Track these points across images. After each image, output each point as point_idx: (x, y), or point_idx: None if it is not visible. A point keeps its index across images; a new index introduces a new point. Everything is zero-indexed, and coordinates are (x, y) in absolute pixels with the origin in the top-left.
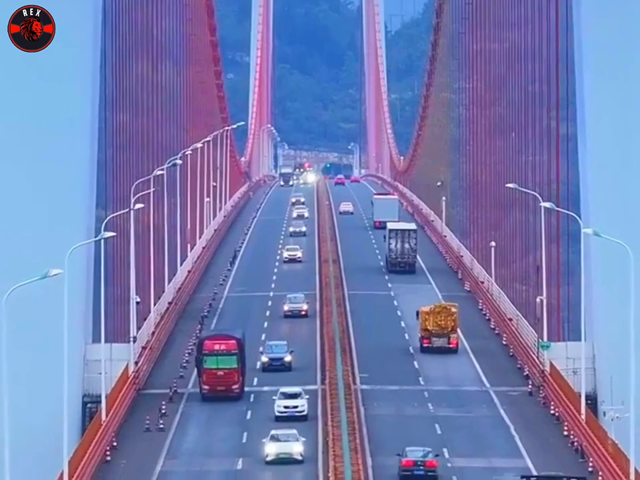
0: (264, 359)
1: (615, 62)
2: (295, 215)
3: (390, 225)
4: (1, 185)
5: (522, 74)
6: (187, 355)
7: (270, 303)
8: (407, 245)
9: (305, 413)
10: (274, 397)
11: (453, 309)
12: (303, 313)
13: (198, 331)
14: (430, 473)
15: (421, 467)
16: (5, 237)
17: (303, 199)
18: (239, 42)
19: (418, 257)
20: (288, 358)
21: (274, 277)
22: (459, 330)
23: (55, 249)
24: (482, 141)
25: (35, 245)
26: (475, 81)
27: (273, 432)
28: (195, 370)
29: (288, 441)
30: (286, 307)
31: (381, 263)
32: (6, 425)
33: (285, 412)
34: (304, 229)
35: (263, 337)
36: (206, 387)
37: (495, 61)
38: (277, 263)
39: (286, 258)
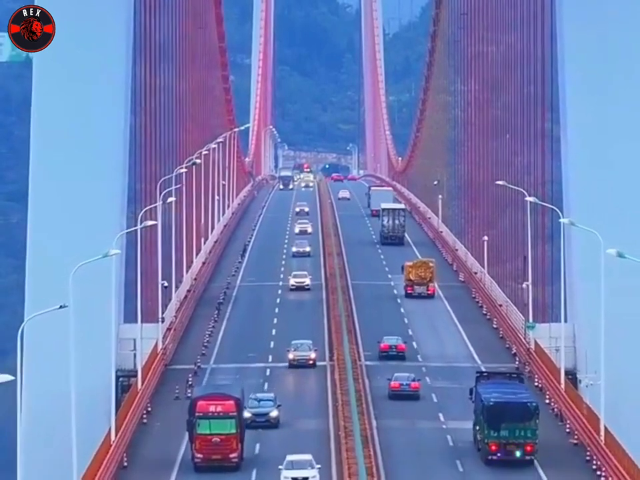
0: (246, 414)
1: (595, 68)
2: (297, 230)
3: (383, 205)
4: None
5: (515, 77)
6: (207, 336)
7: (280, 292)
8: (397, 222)
9: None
10: (280, 467)
11: (431, 264)
12: (311, 362)
13: (215, 315)
14: (400, 354)
15: (394, 350)
16: (58, 227)
17: (307, 209)
18: (240, 44)
19: (406, 233)
20: (274, 413)
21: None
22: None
23: (97, 236)
24: (477, 141)
25: (81, 234)
26: (471, 83)
27: None
28: (187, 434)
29: None
30: (290, 356)
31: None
32: (73, 392)
33: None
34: (308, 249)
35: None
36: (199, 456)
37: (490, 65)
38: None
39: (292, 286)
